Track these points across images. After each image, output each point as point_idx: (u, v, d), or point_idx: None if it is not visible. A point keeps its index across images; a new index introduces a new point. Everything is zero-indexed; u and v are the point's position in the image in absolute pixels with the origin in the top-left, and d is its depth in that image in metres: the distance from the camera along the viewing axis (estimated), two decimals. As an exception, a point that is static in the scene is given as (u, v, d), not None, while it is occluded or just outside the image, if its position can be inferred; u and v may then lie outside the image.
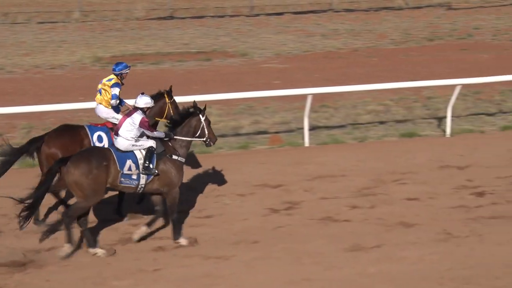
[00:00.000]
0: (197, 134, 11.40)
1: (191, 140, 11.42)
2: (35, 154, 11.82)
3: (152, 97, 11.52)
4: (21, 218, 10.79)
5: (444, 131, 16.37)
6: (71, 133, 11.92)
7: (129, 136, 10.93)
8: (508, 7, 30.57)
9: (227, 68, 22.17)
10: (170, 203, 11.16)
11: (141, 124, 11.00)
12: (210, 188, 13.37)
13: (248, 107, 18.14)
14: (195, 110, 11.40)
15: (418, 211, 12.26)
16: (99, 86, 12.21)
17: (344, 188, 13.30)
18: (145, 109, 11.19)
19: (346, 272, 10.35)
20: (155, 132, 11.26)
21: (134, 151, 10.94)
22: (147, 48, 25.05)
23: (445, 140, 16.06)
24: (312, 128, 16.08)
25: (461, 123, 16.91)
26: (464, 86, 16.67)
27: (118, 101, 12.16)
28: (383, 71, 20.68)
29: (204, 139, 11.46)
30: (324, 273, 10.33)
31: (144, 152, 10.95)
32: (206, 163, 14.10)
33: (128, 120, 11.03)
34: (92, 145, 11.74)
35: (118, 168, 10.76)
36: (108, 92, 12.08)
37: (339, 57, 23.28)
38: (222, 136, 15.87)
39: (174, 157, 11.18)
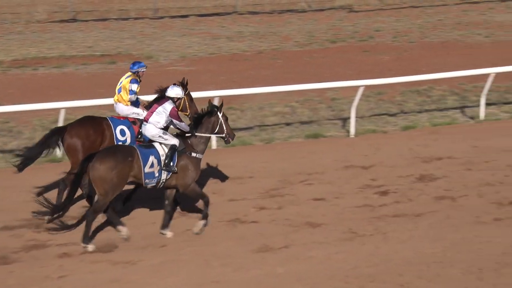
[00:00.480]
0: (216, 131, 11.89)
1: (210, 137, 11.95)
2: (59, 144, 12.08)
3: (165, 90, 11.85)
4: (49, 217, 11.27)
5: (348, 131, 16.64)
6: (93, 124, 12.16)
7: (159, 124, 11.46)
8: (407, 9, 31.29)
9: (132, 71, 21.98)
10: (193, 195, 11.72)
11: (171, 113, 11.56)
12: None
13: (154, 110, 18.02)
14: (212, 107, 11.90)
15: (325, 211, 12.43)
16: (118, 86, 12.51)
17: (251, 190, 13.36)
18: (175, 99, 11.74)
19: (255, 273, 10.40)
20: (182, 123, 11.69)
21: (157, 147, 11.36)
22: (50, 52, 24.62)
23: (349, 140, 16.33)
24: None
25: (365, 124, 17.22)
26: (367, 87, 16.99)
27: (136, 97, 12.44)
28: (288, 73, 20.88)
29: (223, 135, 11.97)
30: (233, 275, 10.35)
31: (166, 150, 11.38)
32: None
33: (160, 108, 11.56)
34: (114, 137, 12.11)
35: (142, 165, 11.17)
36: (127, 89, 12.42)
37: (245, 59, 23.39)
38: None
39: (193, 154, 11.63)
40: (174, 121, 11.66)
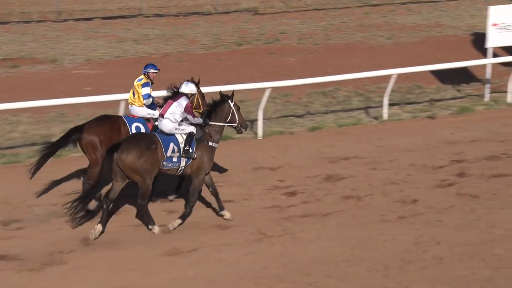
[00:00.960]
0: (228, 120, 12.18)
1: (224, 126, 12.17)
2: (76, 142, 12.43)
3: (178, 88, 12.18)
4: (74, 209, 11.44)
5: (256, 133, 16.72)
6: (110, 122, 12.55)
7: (174, 118, 11.76)
8: (311, 12, 31.64)
9: (36, 75, 21.54)
10: (195, 186, 11.98)
11: (186, 109, 11.89)
12: (21, 198, 12.95)
13: (59, 114, 17.71)
14: (224, 97, 12.18)
15: (234, 213, 12.45)
16: (134, 87, 12.83)
17: (160, 194, 13.27)
18: (189, 96, 12.08)
19: (164, 276, 10.35)
20: (196, 119, 12.01)
21: (176, 135, 11.73)
22: (-51, 55, 23.90)
23: (257, 142, 16.41)
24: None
25: (272, 125, 17.34)
26: (274, 89, 17.10)
27: (150, 100, 12.74)
28: (195, 75, 20.76)
29: (235, 124, 12.24)
30: (142, 279, 10.27)
31: (184, 137, 11.75)
32: (14, 173, 13.63)
33: (175, 103, 11.89)
34: (130, 133, 12.35)
35: (163, 151, 11.58)
36: (139, 92, 12.74)
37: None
38: (33, 144, 15.41)
39: (210, 143, 12.01)
40: (189, 116, 11.97)
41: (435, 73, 20.44)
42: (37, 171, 12.51)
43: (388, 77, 17.89)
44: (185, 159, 11.80)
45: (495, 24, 18.64)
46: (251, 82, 18.14)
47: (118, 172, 11.46)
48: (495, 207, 12.61)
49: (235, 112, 12.21)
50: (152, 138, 11.64)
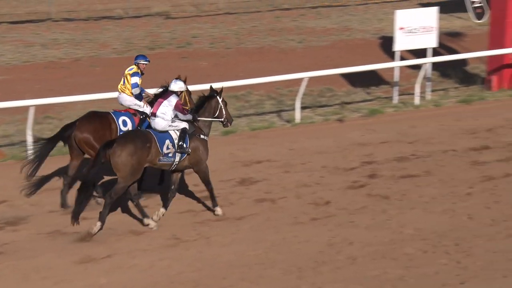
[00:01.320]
0: (216, 115, 12.57)
1: (212, 121, 12.56)
2: (68, 140, 12.78)
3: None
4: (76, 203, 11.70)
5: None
6: (100, 119, 12.90)
7: (166, 116, 12.12)
8: (223, 16, 31.71)
9: None
10: (203, 177, 12.45)
11: (176, 106, 12.23)
12: None
13: (-35, 121, 17.30)
14: (212, 92, 12.58)
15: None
16: (125, 75, 13.18)
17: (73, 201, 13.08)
18: (179, 93, 12.42)
19: (77, 285, 10.21)
20: (187, 115, 12.34)
21: (170, 132, 12.09)
22: None
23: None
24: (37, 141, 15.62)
25: (185, 130, 17.26)
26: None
27: (139, 90, 13.11)
28: (107, 80, 20.58)
29: (222, 119, 12.63)
30: (55, 288, 10.11)
31: (178, 133, 12.11)
32: None
33: (165, 102, 12.23)
34: (118, 129, 12.81)
35: (159, 148, 11.89)
36: (129, 81, 13.10)
37: (61, 67, 22.88)
38: None
39: (202, 136, 12.42)
40: (179, 113, 12.31)
41: (345, 76, 20.76)
42: (36, 171, 12.77)
43: (299, 80, 18.07)
44: (179, 154, 12.15)
45: (402, 28, 19.05)
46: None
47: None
48: (405, 207, 12.88)
49: (222, 107, 12.61)
50: (147, 136, 11.94)
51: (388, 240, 11.59)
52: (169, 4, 33.46)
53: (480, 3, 26.44)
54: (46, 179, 13.26)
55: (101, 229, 11.65)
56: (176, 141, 12.08)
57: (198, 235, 11.82)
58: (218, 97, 12.61)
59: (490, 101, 19.10)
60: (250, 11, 32.72)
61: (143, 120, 13.14)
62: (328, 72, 18.70)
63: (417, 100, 19.15)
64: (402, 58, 20.01)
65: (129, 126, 12.98)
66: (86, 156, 12.99)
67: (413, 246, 11.38)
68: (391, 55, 20.63)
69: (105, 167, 12.20)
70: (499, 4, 19.74)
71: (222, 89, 12.76)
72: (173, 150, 12.07)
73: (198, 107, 12.59)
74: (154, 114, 12.25)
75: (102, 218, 11.70)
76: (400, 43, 19.14)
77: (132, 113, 13.18)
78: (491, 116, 17.86)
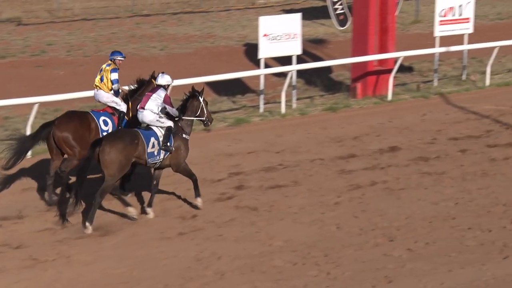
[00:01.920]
0: (197, 114, 13.21)
1: (193, 120, 13.19)
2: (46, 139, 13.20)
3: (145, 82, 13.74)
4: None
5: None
6: (79, 118, 13.35)
7: (155, 110, 12.79)
8: (79, 22, 31.15)
9: None
10: (184, 173, 13.19)
11: (165, 100, 12.91)
12: None
13: None
14: (194, 92, 13.21)
15: (2, 238, 11.95)
16: (100, 73, 13.65)
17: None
18: (166, 87, 13.10)
19: None
20: (173, 109, 12.99)
21: (155, 130, 12.74)
22: None
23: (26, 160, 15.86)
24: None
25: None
26: (42, 104, 16.63)
27: (118, 86, 13.61)
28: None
29: (203, 118, 13.28)
30: None
31: (163, 131, 12.76)
32: None
33: (154, 95, 12.89)
34: (99, 128, 13.32)
35: (145, 146, 12.55)
36: (108, 77, 13.57)
37: None
38: None
39: (184, 135, 13.09)
40: (167, 106, 12.97)
41: (210, 84, 20.79)
42: (13, 165, 13.28)
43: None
44: (163, 152, 12.83)
45: (266, 35, 19.26)
46: (17, 97, 17.51)
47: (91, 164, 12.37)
48: (274, 218, 12.99)
49: (204, 107, 13.23)
50: (135, 135, 12.61)
51: (257, 253, 11.66)
52: (21, 9, 32.58)
53: (342, 10, 27.11)
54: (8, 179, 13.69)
55: (88, 230, 12.28)
56: (161, 139, 12.76)
57: (57, 254, 11.51)
58: (200, 97, 13.22)
59: (355, 108, 19.59)
60: (108, 17, 32.31)
61: (121, 119, 13.64)
62: (193, 80, 18.65)
63: (283, 109, 19.39)
64: (267, 66, 20.22)
65: (110, 126, 13.46)
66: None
67: (283, 258, 11.49)
68: (256, 63, 20.83)
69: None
70: (361, 11, 20.27)
71: (203, 89, 13.47)
72: (158, 148, 12.75)
73: (182, 107, 13.19)
74: (142, 108, 12.87)
75: (90, 219, 12.31)
76: (265, 51, 19.33)
77: (110, 112, 13.62)
78: (357, 123, 18.31)
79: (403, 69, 22.22)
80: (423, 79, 21.83)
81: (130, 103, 13.76)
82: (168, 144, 12.78)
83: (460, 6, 20.82)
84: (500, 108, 18.97)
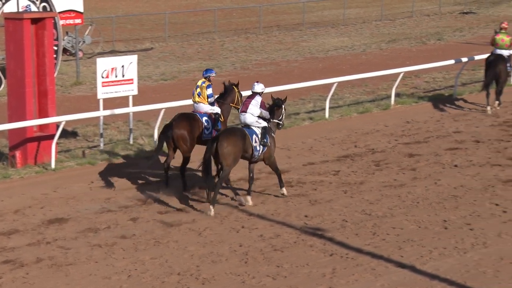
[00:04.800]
0: (280, 118, 17.44)
1: (276, 122, 17.40)
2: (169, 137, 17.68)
3: (225, 88, 18.25)
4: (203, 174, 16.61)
5: None
6: (190, 118, 17.77)
7: (255, 113, 16.75)
8: None
9: None
10: (273, 166, 17.35)
11: (261, 104, 16.96)
12: None
13: None
14: (279, 101, 17.38)
15: None
16: (197, 90, 17.98)
17: None
18: (261, 93, 17.10)
19: None
20: (266, 112, 17.13)
21: (254, 129, 16.72)
22: None
23: None
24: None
25: None
26: None
27: (213, 98, 18.00)
28: None
29: (281, 122, 17.58)
30: None
31: (261, 130, 16.81)
32: None
33: (253, 101, 16.84)
34: (203, 126, 17.77)
35: (251, 141, 16.59)
36: (204, 93, 17.89)
37: None
38: None
39: (272, 134, 17.19)
40: (262, 110, 17.06)
41: None
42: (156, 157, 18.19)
43: None
44: (261, 147, 16.83)
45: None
46: None
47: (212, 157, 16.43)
48: None
49: (283, 113, 17.58)
50: (244, 133, 16.69)
51: None
52: None
53: (-4, 71, 26.45)
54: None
55: (211, 212, 16.35)
56: (260, 137, 16.78)
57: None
58: (283, 106, 17.45)
59: (15, 179, 19.03)
60: None
61: (216, 119, 17.97)
62: None
63: None
64: None
65: (210, 125, 17.89)
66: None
67: None
68: None
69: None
70: (16, 72, 19.78)
71: (286, 98, 17.86)
72: (258, 143, 16.74)
73: (270, 112, 17.28)
74: (244, 111, 16.88)
75: (213, 202, 16.45)
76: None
77: (208, 114, 18.00)
78: (17, 195, 17.86)
79: (67, 134, 22.13)
80: (88, 144, 21.85)
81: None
82: (265, 140, 16.81)
83: (123, 66, 21.11)
84: (169, 173, 19.46)
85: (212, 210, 16.34)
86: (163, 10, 50.01)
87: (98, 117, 21.46)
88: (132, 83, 21.40)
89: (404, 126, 23.52)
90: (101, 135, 21.57)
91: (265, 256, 14.61)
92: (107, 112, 21.18)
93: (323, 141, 22.09)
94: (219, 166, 16.80)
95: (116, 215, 16.75)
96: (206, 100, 17.87)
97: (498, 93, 24.99)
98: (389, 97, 25.46)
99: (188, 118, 17.85)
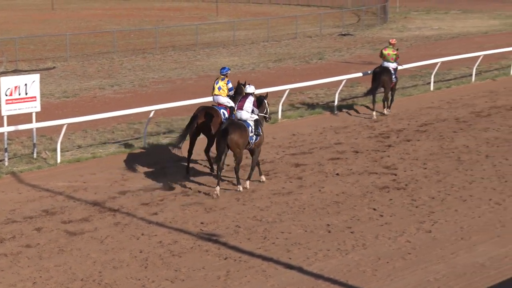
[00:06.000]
0: (264, 112, 19.47)
1: (262, 116, 19.44)
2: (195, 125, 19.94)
3: (237, 87, 20.32)
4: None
5: None
6: (211, 111, 20.02)
7: (249, 110, 18.70)
8: None
9: None
10: (257, 154, 19.16)
11: (254, 103, 18.81)
12: None
13: None
14: (261, 98, 19.49)
15: None
16: (219, 84, 20.23)
17: None
18: (252, 94, 18.92)
19: None
20: (257, 109, 18.96)
21: (249, 122, 18.70)
22: None
23: None
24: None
25: None
26: None
27: (233, 91, 20.23)
28: None
29: (268, 115, 19.66)
30: None
31: (253, 123, 18.81)
32: None
33: (247, 100, 18.74)
34: (222, 116, 19.93)
35: (249, 132, 18.60)
36: (224, 86, 20.16)
37: None
38: None
39: (263, 126, 19.33)
40: (254, 108, 18.74)
41: None
42: (179, 146, 19.76)
43: None
44: (255, 136, 18.76)
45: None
46: None
47: (226, 147, 18.29)
48: None
49: (267, 108, 19.58)
50: (244, 124, 18.56)
51: None
52: None
53: None
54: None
55: (240, 188, 18.64)
56: (253, 128, 18.70)
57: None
58: (265, 101, 19.57)
59: None
60: None
61: (231, 112, 19.72)
62: None
63: None
64: None
65: (226, 115, 19.87)
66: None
67: None
68: None
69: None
70: None
71: (267, 94, 20.22)
72: (252, 133, 18.64)
73: (258, 107, 19.06)
74: (241, 108, 18.69)
75: (238, 181, 18.68)
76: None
77: (223, 107, 20.10)
78: None
79: (-28, 149, 21.48)
80: (-6, 159, 21.29)
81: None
82: (259, 131, 18.82)
83: (26, 85, 20.67)
84: (72, 184, 19.16)
85: (240, 187, 18.68)
86: (65, 31, 49.30)
87: (2, 133, 20.95)
88: (35, 100, 20.96)
89: (291, 138, 23.76)
90: (6, 150, 21.06)
91: (164, 261, 14.53)
92: (11, 128, 20.71)
93: (216, 153, 22.11)
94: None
95: (21, 226, 16.37)
96: (227, 93, 20.07)
97: (385, 100, 26.56)
98: (276, 112, 25.66)
99: (210, 112, 19.95)
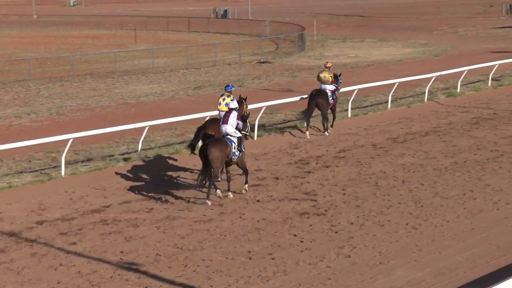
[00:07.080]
0: (246, 130, 20.93)
1: (244, 134, 20.72)
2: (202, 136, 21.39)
3: (238, 101, 22.04)
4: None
5: None
6: (217, 122, 21.15)
7: (234, 125, 20.07)
8: None
9: None
10: (244, 168, 20.71)
11: (238, 117, 20.18)
12: None
13: None
14: (244, 116, 21.17)
15: None
16: (225, 100, 21.53)
17: None
18: (236, 109, 20.35)
19: None
20: (241, 123, 20.30)
21: (232, 138, 19.99)
22: None
23: None
24: None
25: None
26: None
27: (238, 107, 20.94)
28: None
29: (248, 133, 21.21)
30: None
31: (237, 140, 20.10)
32: None
33: (231, 115, 20.14)
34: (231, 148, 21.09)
35: (231, 148, 19.91)
36: (229, 103, 20.95)
37: None
38: None
39: (245, 142, 20.80)
40: (239, 122, 20.14)
41: None
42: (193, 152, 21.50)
43: None
44: (238, 152, 19.91)
45: None
46: None
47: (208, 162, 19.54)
48: None
49: (248, 126, 21.05)
50: (226, 142, 19.70)
51: None
52: None
53: None
54: None
55: (208, 203, 19.46)
56: (236, 145, 19.89)
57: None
58: (247, 120, 21.00)
59: None
60: None
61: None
62: None
63: None
64: None
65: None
66: None
67: None
68: None
69: None
70: None
71: (249, 113, 22.22)
72: (235, 149, 19.77)
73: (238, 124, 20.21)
74: (226, 122, 19.89)
75: (215, 187, 19.98)
76: None
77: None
78: None
79: None
80: None
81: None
82: (241, 147, 19.98)
83: None
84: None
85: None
86: (-21, 59, 48.38)
87: None
88: None
89: (211, 165, 23.70)
90: None
91: (83, 292, 14.25)
92: None
93: (138, 180, 21.92)
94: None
95: None
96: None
97: (325, 121, 27.70)
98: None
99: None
